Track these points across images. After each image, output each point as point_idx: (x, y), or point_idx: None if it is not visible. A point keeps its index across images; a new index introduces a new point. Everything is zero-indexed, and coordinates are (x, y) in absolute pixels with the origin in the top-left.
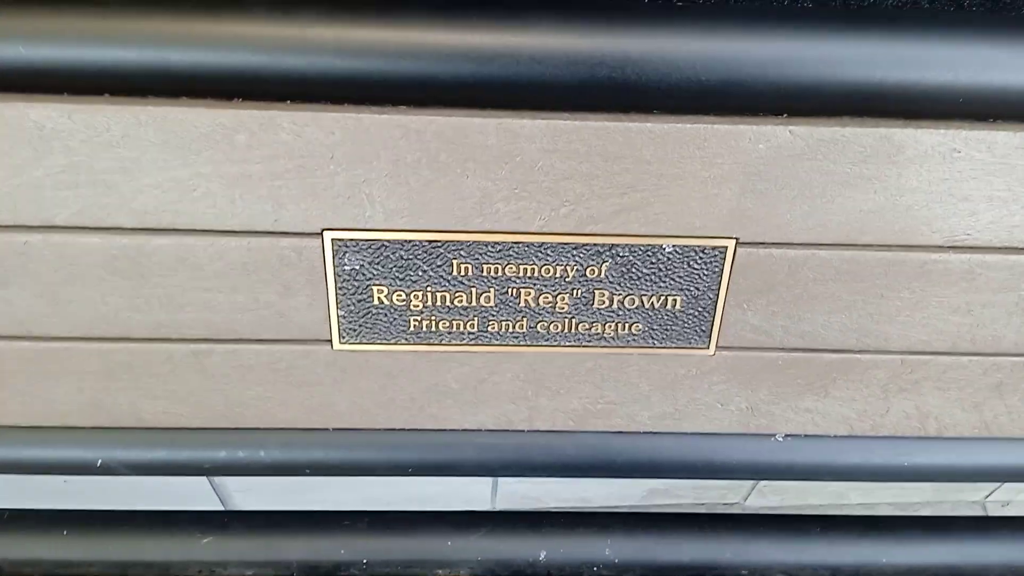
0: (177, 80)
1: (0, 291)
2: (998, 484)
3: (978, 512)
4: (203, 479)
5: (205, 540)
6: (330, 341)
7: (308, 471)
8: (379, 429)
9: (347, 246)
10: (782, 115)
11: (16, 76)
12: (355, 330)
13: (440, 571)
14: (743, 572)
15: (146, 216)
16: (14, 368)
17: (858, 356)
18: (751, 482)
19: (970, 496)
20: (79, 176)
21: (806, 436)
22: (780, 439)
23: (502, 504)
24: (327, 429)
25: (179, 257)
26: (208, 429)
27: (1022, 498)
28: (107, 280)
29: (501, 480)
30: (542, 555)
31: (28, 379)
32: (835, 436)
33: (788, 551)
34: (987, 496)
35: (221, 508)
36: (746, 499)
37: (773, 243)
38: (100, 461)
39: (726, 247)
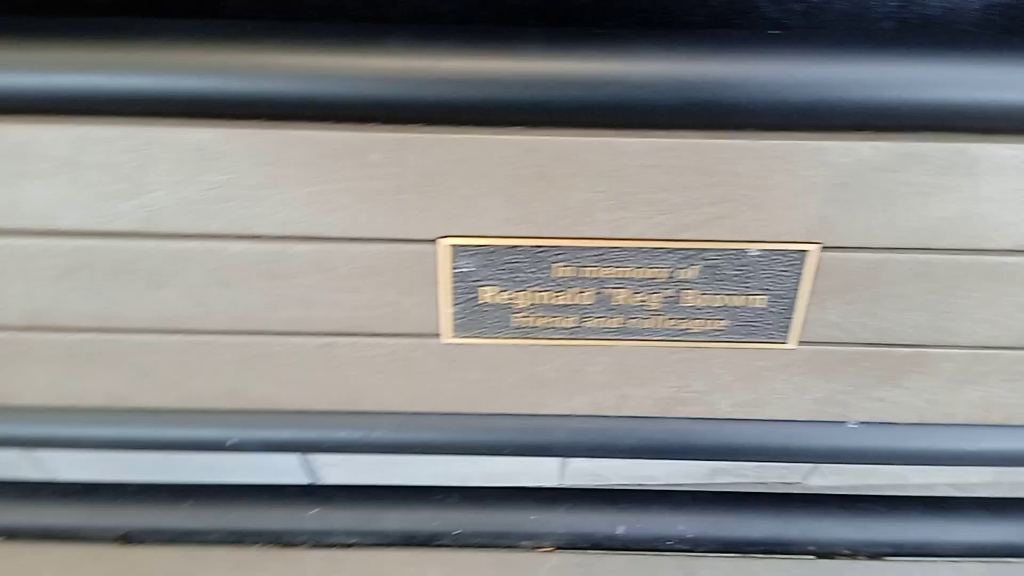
0: (321, 107)
1: (156, 292)
2: None
3: None
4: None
5: (312, 511)
6: (440, 335)
7: (416, 450)
8: (482, 414)
9: (462, 251)
10: (866, 131)
11: (182, 104)
12: (464, 325)
13: (525, 542)
14: (810, 548)
15: (287, 225)
16: (162, 359)
17: (930, 350)
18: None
19: None
20: (232, 191)
21: (878, 424)
22: (853, 426)
23: (570, 480)
24: (435, 413)
25: (314, 262)
26: (330, 412)
27: None
28: (250, 282)
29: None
30: (619, 529)
31: (173, 368)
32: (905, 423)
33: (852, 529)
34: None
35: (312, 481)
36: (806, 478)
37: (854, 247)
38: (232, 440)
39: (808, 251)
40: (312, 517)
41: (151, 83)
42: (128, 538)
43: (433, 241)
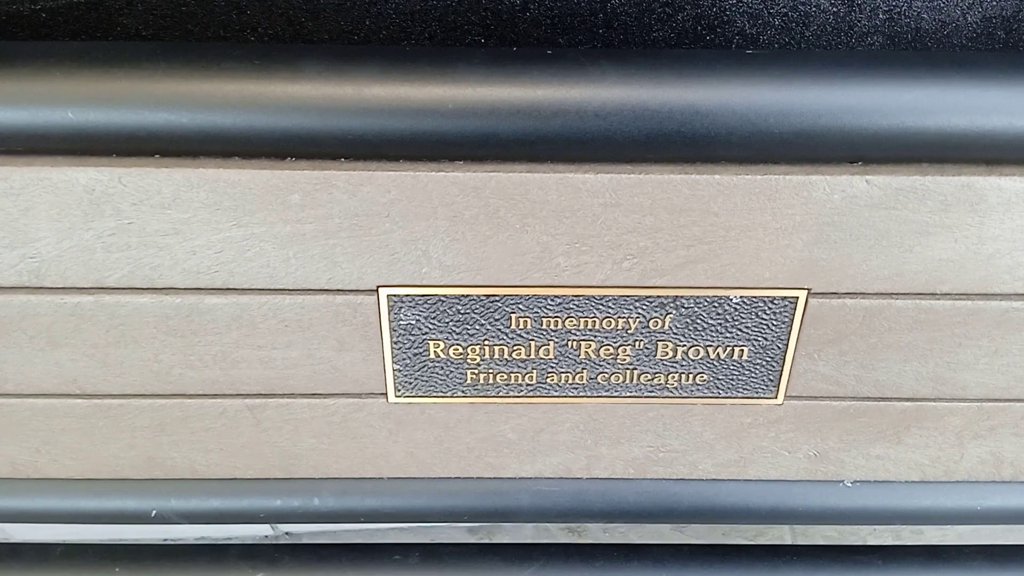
0: (228, 141)
1: (52, 352)
2: None
3: None
4: None
5: (257, 575)
6: (385, 394)
7: (363, 519)
8: (434, 478)
9: (403, 302)
10: (857, 164)
11: (65, 140)
12: (411, 383)
13: None
14: None
15: (199, 276)
16: (66, 425)
17: (933, 404)
18: None
19: None
20: (130, 238)
21: (876, 482)
22: (848, 485)
23: None
24: (382, 478)
25: (233, 316)
26: (262, 479)
27: None
28: (160, 339)
29: None
30: None
31: (80, 435)
32: (906, 482)
33: None
34: None
35: (270, 532)
36: None
37: (847, 293)
38: (155, 512)
39: (797, 297)
40: None
41: (28, 116)
42: None
43: (372, 291)
